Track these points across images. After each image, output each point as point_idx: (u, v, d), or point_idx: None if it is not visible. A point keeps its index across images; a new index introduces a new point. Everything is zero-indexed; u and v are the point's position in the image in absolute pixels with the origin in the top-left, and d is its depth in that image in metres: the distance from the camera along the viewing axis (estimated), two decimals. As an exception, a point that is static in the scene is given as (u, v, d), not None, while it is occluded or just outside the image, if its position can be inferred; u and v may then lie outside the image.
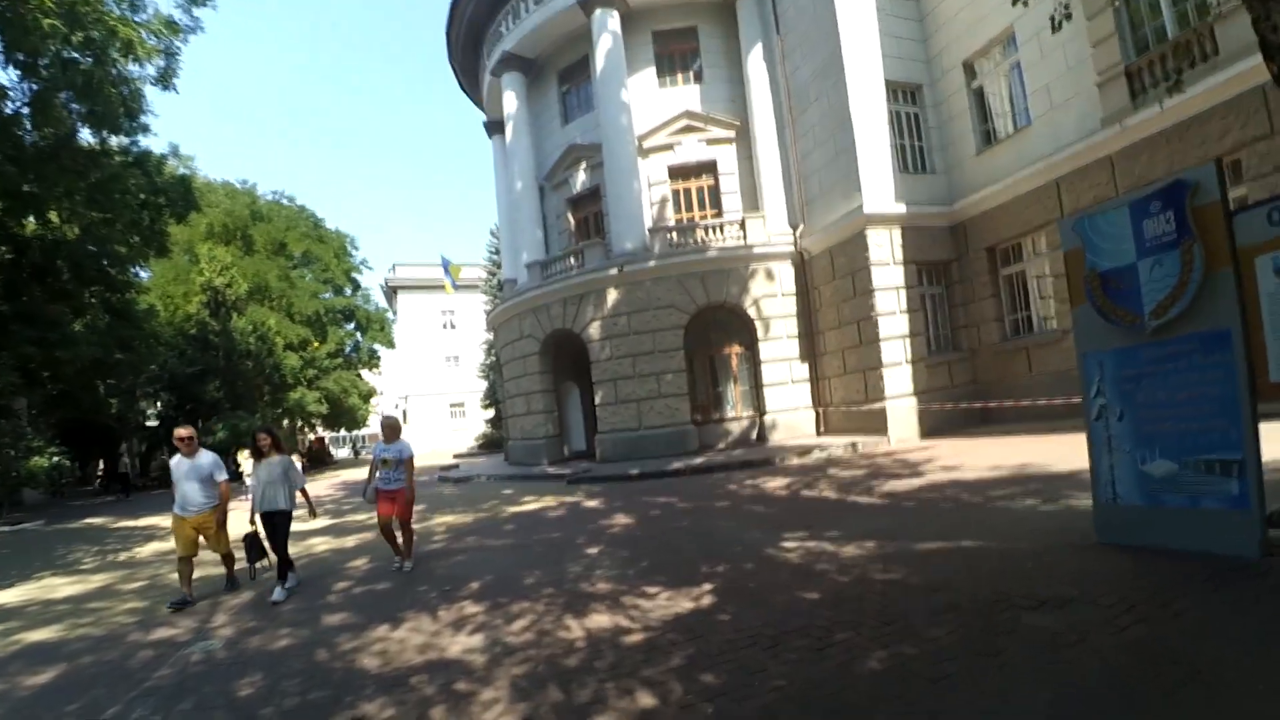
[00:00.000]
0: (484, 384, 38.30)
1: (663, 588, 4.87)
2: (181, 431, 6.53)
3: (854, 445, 13.11)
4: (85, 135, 16.60)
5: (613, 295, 16.30)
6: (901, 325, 13.94)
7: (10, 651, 5.31)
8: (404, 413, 53.11)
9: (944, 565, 4.64)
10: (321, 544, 8.82)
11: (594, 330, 16.57)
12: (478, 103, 25.48)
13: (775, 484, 10.00)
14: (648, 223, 16.93)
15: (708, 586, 4.76)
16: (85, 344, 15.23)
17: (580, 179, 18.98)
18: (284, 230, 33.91)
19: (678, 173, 17.68)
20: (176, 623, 5.61)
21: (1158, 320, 4.24)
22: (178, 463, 6.52)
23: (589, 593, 4.99)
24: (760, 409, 16.17)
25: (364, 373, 39.40)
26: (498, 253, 32.54)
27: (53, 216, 17.49)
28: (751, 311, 15.85)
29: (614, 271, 16.11)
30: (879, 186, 13.92)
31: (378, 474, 6.85)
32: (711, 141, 17.29)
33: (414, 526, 9.87)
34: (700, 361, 16.69)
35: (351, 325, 37.64)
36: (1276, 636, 2.96)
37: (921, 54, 14.99)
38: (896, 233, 14.07)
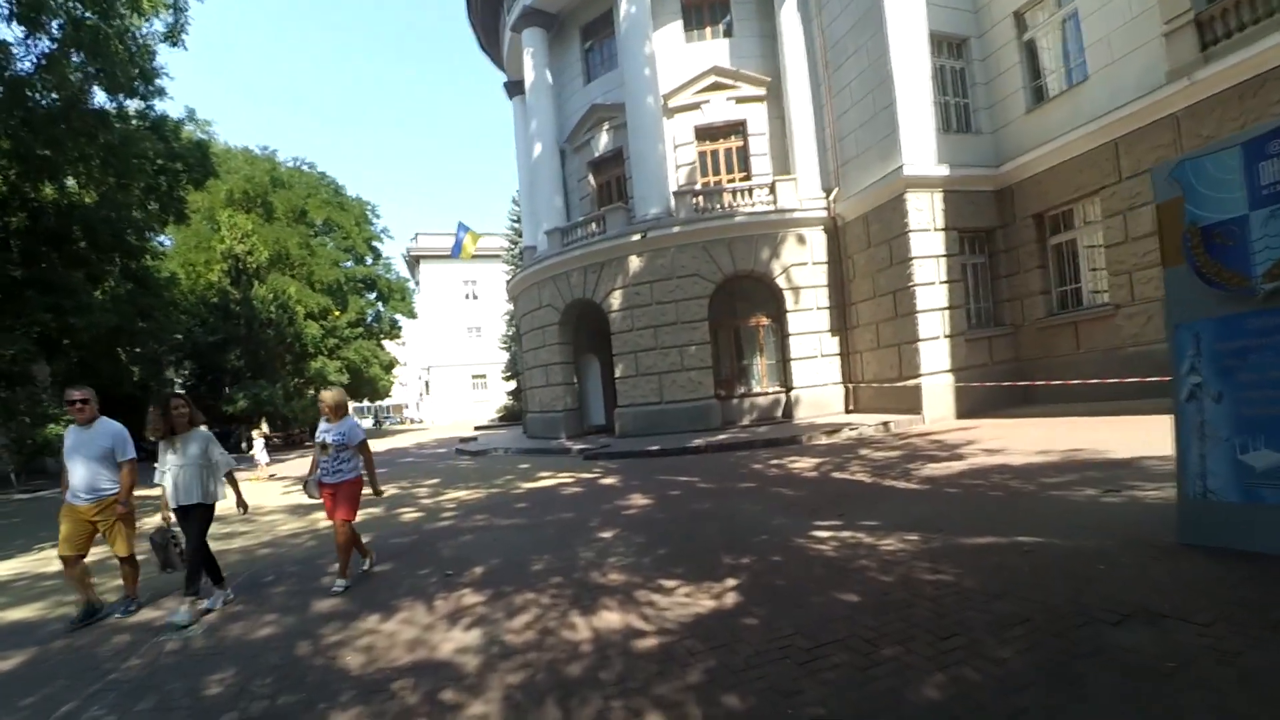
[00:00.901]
0: (505, 355, 38.18)
1: (681, 581, 4.37)
2: (74, 393, 5.03)
3: (886, 424, 12.50)
4: (101, 99, 16.34)
5: (635, 263, 15.69)
6: (940, 297, 13.16)
7: (-11, 630, 5.02)
8: (426, 384, 53.39)
9: (1002, 566, 4.07)
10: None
11: (615, 300, 16.02)
12: (498, 62, 24.77)
13: (803, 464, 9.44)
14: (672, 186, 16.20)
15: (731, 582, 4.25)
16: (101, 311, 15.07)
17: (603, 141, 18.24)
18: (304, 197, 33.61)
19: (705, 133, 16.86)
20: (160, 598, 5.27)
21: (1271, 284, 3.57)
22: (70, 435, 5.05)
23: (600, 584, 4.51)
24: (787, 384, 15.54)
25: (386, 343, 39.32)
26: (519, 221, 31.98)
27: (70, 182, 17.34)
28: (781, 281, 15.14)
29: (637, 237, 15.48)
30: (920, 147, 13.04)
31: (321, 462, 5.25)
32: (741, 100, 16.41)
33: (425, 501, 9.67)
34: (725, 333, 16.07)
35: (373, 295, 37.48)
36: None
37: (969, 3, 13.94)
38: (938, 197, 13.21)
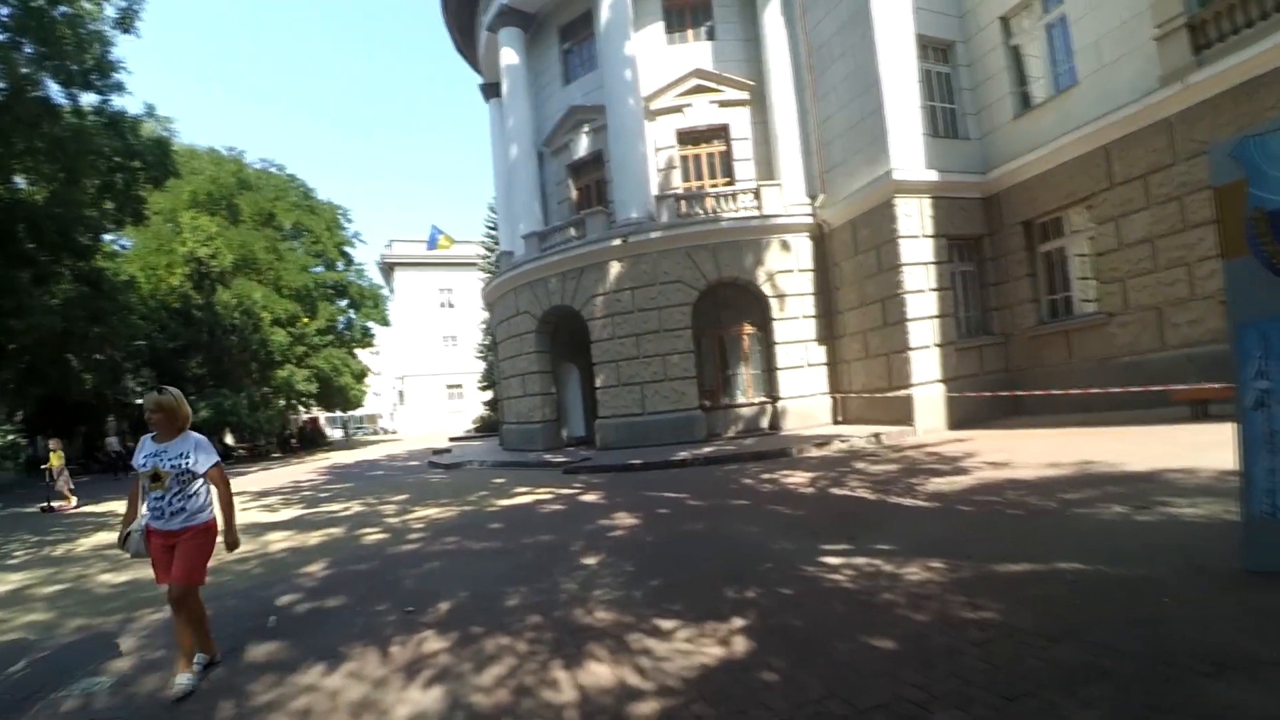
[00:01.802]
0: (482, 365, 37.43)
1: (680, 621, 3.77)
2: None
3: (877, 436, 12.06)
4: (55, 92, 15.38)
5: (615, 268, 15.14)
6: (930, 305, 12.79)
7: None
8: (400, 393, 52.19)
9: (1048, 599, 3.55)
10: (281, 541, 7.74)
11: (595, 306, 15.43)
12: (474, 64, 24.20)
13: (797, 479, 8.91)
14: (654, 190, 15.71)
15: (739, 622, 3.67)
16: (44, 313, 14.07)
17: (582, 143, 17.71)
18: (272, 200, 32.45)
19: (687, 137, 16.41)
20: (77, 645, 4.53)
21: (1357, 277, 3.12)
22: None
23: (585, 625, 3.89)
24: (773, 394, 15.05)
25: (358, 351, 38.15)
26: (495, 228, 31.39)
27: (18, 179, 16.32)
28: (766, 288, 14.68)
29: (617, 242, 14.92)
30: (908, 151, 12.71)
31: (147, 500, 3.68)
32: (724, 104, 16.00)
33: (391, 520, 8.90)
34: (709, 342, 15.56)
35: (344, 301, 36.24)
36: None
37: (955, 7, 13.72)
38: (926, 203, 12.88)
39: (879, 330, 13.36)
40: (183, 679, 3.48)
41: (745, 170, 15.94)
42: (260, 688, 3.44)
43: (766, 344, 15.14)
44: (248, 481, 16.73)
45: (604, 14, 15.75)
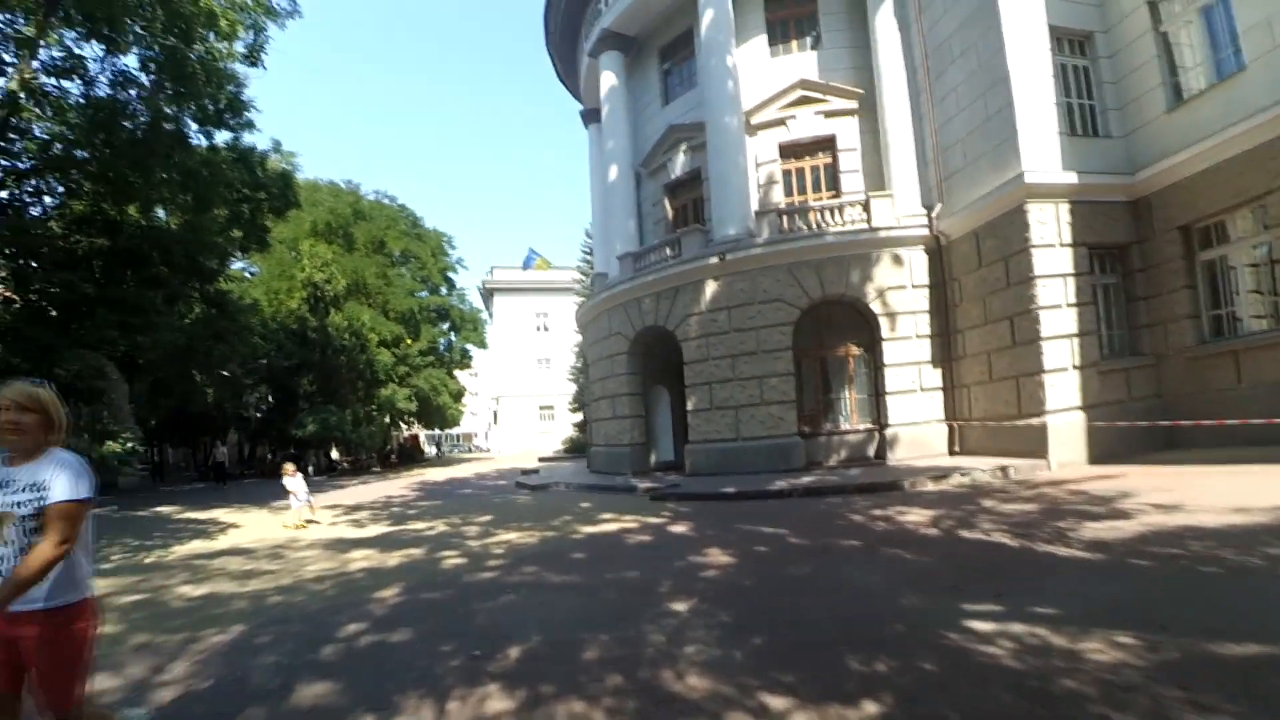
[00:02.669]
0: (573, 387, 37.83)
1: (793, 700, 3.01)
2: None
3: (1003, 469, 10.71)
4: (194, 133, 16.71)
5: (711, 287, 14.51)
6: (1068, 322, 11.31)
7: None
8: (495, 413, 53.59)
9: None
10: (360, 560, 7.51)
11: (689, 327, 14.84)
12: (574, 92, 24.75)
13: (915, 517, 7.85)
14: (754, 206, 15.03)
15: (872, 709, 2.86)
16: (169, 331, 15.12)
17: (680, 162, 17.30)
18: (384, 229, 34.29)
19: (790, 150, 15.62)
20: (122, 667, 4.26)
21: None
22: None
23: (674, 694, 3.20)
24: (881, 421, 13.82)
25: (456, 372, 39.45)
26: (590, 253, 31.77)
27: (159, 210, 17.79)
28: (875, 306, 13.57)
29: (714, 260, 14.30)
30: (1042, 151, 11.40)
31: None
32: (830, 114, 15.12)
33: (472, 543, 8.46)
34: (810, 364, 14.56)
35: (445, 324, 37.70)
36: None
37: (1094, -6, 12.31)
38: (1063, 208, 11.48)
39: (1006, 351, 11.96)
40: None
41: (852, 182, 14.93)
42: (298, 742, 2.98)
43: (874, 366, 13.98)
44: (344, 495, 17.17)
45: (705, 29, 15.40)
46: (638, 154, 18.94)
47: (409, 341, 32.18)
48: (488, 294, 53.21)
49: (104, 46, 12.75)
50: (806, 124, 15.25)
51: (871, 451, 13.87)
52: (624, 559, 6.76)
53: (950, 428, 13.58)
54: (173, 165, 14.41)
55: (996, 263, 12.07)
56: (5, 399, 2.32)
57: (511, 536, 8.62)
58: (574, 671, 3.57)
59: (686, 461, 14.88)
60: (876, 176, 14.65)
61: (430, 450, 49.55)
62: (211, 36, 13.88)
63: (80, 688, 2.36)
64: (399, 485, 21.16)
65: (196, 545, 9.01)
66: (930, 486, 10.44)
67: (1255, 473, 8.10)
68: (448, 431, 51.61)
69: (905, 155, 14.08)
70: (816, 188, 15.52)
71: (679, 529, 8.52)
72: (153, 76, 13.80)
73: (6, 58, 13.09)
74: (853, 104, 14.97)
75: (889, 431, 13.58)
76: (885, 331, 13.56)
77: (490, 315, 51.74)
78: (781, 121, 15.44)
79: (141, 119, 13.74)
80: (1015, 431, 11.74)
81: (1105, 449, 11.01)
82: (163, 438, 27.10)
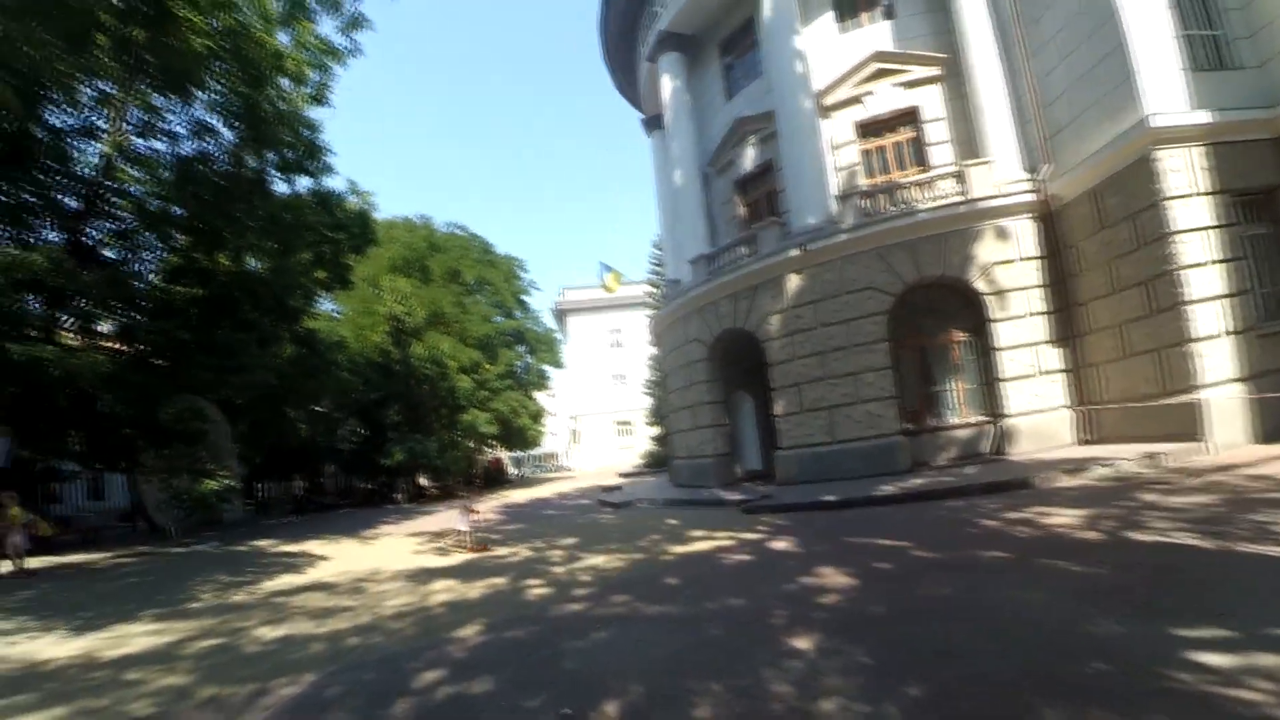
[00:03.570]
0: (649, 401, 37.31)
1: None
2: None
3: (1152, 456, 9.31)
4: (278, 183, 17.32)
5: (793, 282, 13.54)
6: (1215, 282, 9.78)
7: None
8: (574, 432, 53.78)
9: None
10: (442, 592, 6.99)
11: (771, 326, 13.89)
12: (634, 101, 24.38)
13: (1062, 518, 6.67)
14: (833, 191, 13.98)
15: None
16: (260, 370, 15.47)
17: (749, 156, 16.45)
18: (457, 258, 34.88)
19: (869, 128, 14.49)
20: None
21: None
22: None
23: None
24: (995, 411, 12.40)
25: (535, 393, 39.62)
26: (660, 265, 31.23)
27: (251, 259, 18.49)
28: (980, 285, 12.22)
29: (795, 252, 13.33)
30: (1166, 91, 9.99)
31: None
32: (911, 84, 13.90)
33: (557, 569, 7.77)
34: (909, 355, 13.30)
35: (521, 347, 37.91)
36: None
37: (1216, -89, 10.73)
38: (1197, 152, 9.95)
39: (1143, 321, 10.44)
40: None
41: (942, 155, 13.61)
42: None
43: (983, 351, 12.59)
44: (430, 521, 17.01)
45: (767, 15, 14.68)
46: (704, 154, 18.25)
47: (487, 366, 32.40)
48: (560, 315, 53.68)
49: (180, 100, 13.19)
50: (885, 98, 14.09)
51: (986, 447, 12.45)
52: (724, 584, 5.93)
53: (1078, 414, 12.01)
54: (256, 212, 14.81)
55: (1122, 222, 10.58)
56: None
57: (598, 560, 7.93)
58: (686, 740, 2.79)
59: (777, 469, 13.88)
60: (968, 145, 13.30)
61: (513, 472, 50.01)
62: (285, 83, 14.21)
63: None
64: (483, 508, 20.86)
65: (284, 580, 8.77)
66: (1067, 482, 9.13)
67: None
68: (529, 452, 51.96)
69: (1001, 117, 12.71)
70: (901, 165, 14.28)
71: (780, 545, 7.61)
72: (232, 126, 14.29)
73: (100, 124, 13.83)
74: (936, 70, 13.71)
75: (1006, 423, 12.13)
76: (994, 312, 12.17)
77: (564, 336, 52.10)
78: (857, 99, 14.35)
79: (224, 168, 14.19)
80: (1160, 412, 10.18)
81: (1275, 425, 9.34)
82: (264, 474, 28.26)
